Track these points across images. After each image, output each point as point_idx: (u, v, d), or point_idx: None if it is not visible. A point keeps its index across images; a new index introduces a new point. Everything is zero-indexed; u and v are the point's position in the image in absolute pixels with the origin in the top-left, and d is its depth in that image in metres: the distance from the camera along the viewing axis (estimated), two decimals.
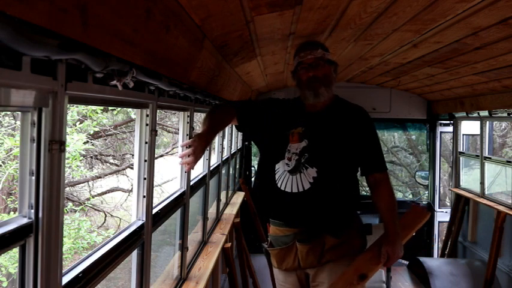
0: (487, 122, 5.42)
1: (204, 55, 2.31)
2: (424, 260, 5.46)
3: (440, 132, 6.43)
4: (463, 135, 6.20)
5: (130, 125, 10.47)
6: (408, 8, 2.21)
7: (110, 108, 9.40)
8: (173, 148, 11.67)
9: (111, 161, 11.23)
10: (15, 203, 7.92)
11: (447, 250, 6.16)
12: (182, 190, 2.87)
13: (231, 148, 5.41)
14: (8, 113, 7.53)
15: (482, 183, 5.45)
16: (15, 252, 3.89)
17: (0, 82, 0.97)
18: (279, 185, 2.53)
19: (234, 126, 3.33)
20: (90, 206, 10.25)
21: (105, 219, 10.83)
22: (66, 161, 7.65)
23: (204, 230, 3.75)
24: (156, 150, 2.22)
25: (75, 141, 8.00)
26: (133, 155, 6.53)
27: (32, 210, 1.15)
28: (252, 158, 6.78)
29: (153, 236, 2.20)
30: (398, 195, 11.99)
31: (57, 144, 1.18)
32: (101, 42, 1.22)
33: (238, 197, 5.73)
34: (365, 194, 5.95)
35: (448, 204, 7.86)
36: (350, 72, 5.06)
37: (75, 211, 9.47)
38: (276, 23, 2.41)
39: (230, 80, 3.51)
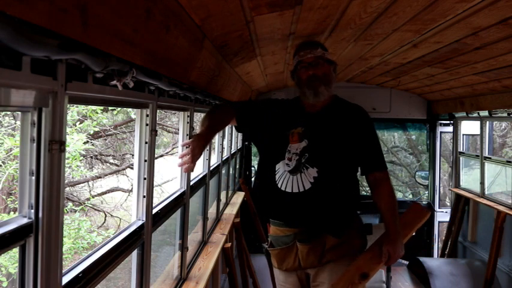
0: (487, 122, 5.42)
1: (204, 55, 2.31)
2: (424, 260, 5.46)
3: (440, 132, 6.43)
4: (463, 135, 6.20)
5: (130, 125, 10.47)
6: (408, 8, 2.21)
7: (109, 108, 9.40)
8: (173, 148, 11.66)
9: (111, 161, 11.24)
10: (15, 203, 7.92)
11: (447, 250, 6.15)
12: (182, 190, 2.87)
13: (231, 148, 5.41)
14: (8, 113, 7.53)
15: (482, 183, 5.45)
16: (15, 252, 3.89)
17: (0, 82, 0.97)
18: (279, 185, 2.53)
19: (233, 127, 3.33)
20: (90, 206, 10.25)
21: (105, 219, 10.82)
22: (66, 161, 7.65)
23: (204, 230, 3.75)
24: (156, 150, 2.22)
25: (75, 141, 8.00)
26: (133, 155, 6.53)
27: (32, 210, 1.15)
28: (252, 158, 6.77)
29: (153, 236, 2.20)
30: (399, 195, 11.98)
31: (57, 144, 1.18)
32: (101, 42, 1.22)
33: (238, 197, 5.73)
34: (365, 194, 5.95)
35: (448, 204, 7.86)
36: (350, 72, 5.05)
37: (75, 211, 9.47)
38: (276, 23, 2.41)
39: (230, 80, 3.51)
